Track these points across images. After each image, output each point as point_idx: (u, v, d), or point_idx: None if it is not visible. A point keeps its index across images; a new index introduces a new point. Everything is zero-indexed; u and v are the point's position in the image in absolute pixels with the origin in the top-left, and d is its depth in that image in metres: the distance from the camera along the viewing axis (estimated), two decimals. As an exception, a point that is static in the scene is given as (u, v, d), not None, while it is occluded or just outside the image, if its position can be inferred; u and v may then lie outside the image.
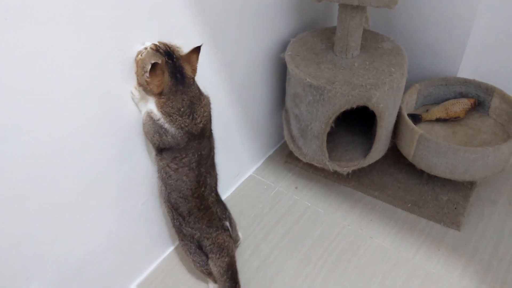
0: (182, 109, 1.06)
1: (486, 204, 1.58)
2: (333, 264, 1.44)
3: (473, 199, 1.59)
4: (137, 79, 1.06)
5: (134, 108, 1.13)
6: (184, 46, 1.09)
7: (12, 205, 0.96)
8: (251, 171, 1.79)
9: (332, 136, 1.62)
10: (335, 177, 1.71)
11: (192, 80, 1.08)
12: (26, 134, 0.92)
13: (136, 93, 1.10)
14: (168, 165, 1.14)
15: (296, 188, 1.71)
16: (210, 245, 1.25)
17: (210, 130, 1.19)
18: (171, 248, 1.51)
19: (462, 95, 1.66)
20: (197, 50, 1.07)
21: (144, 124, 1.12)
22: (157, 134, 1.09)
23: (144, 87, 1.04)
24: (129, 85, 1.09)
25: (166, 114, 1.06)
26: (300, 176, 1.76)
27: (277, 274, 1.42)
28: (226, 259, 1.26)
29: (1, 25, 0.79)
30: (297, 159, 1.68)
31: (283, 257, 1.47)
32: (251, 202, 1.66)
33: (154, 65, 0.97)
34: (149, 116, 1.08)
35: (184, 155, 1.12)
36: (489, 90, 1.59)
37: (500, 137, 1.53)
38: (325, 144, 1.48)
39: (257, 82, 1.57)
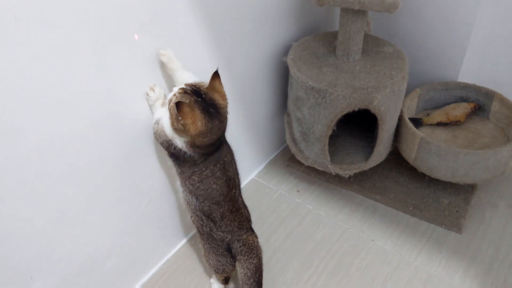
0: (211, 144, 1.08)
1: (487, 207, 1.59)
2: (334, 266, 1.44)
3: (474, 202, 1.59)
4: (174, 125, 1.05)
5: (139, 110, 1.15)
6: (188, 51, 1.11)
7: (16, 204, 0.97)
8: (253, 174, 1.80)
9: (334, 140, 1.63)
10: (337, 180, 1.72)
11: (225, 108, 1.09)
12: (33, 134, 0.93)
13: (152, 94, 1.12)
14: (190, 178, 1.14)
15: (298, 191, 1.72)
16: (240, 246, 1.24)
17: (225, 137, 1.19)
18: (175, 249, 1.52)
19: (463, 99, 1.67)
20: (216, 75, 1.08)
21: (156, 133, 1.13)
22: (171, 148, 1.11)
23: (182, 132, 1.04)
24: (135, 87, 1.11)
25: (193, 146, 1.08)
26: (302, 180, 1.77)
27: (279, 276, 1.42)
28: (254, 261, 1.25)
29: (12, 25, 0.81)
30: (299, 162, 1.70)
31: (285, 259, 1.47)
32: (253, 205, 1.65)
33: (178, 104, 0.98)
34: (165, 135, 1.09)
35: (203, 169, 1.13)
36: (489, 95, 1.61)
37: (500, 141, 1.55)
38: (327, 147, 1.49)
39: (259, 86, 1.58)
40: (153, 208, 1.35)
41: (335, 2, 1.30)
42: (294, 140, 1.61)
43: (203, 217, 1.22)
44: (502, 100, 1.58)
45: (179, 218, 1.47)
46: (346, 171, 1.56)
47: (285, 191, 1.72)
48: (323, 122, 1.43)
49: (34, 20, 0.84)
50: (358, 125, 1.69)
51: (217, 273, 1.33)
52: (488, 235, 1.50)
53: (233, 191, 1.20)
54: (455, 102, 1.68)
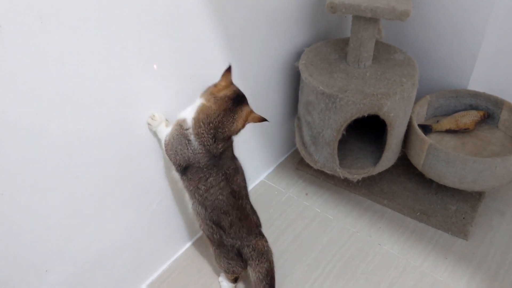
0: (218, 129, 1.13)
1: (494, 215, 1.60)
2: (341, 269, 1.46)
3: (481, 209, 1.60)
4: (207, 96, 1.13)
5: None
6: (201, 55, 1.14)
7: (33, 199, 1.01)
8: (262, 176, 1.83)
9: (343, 144, 1.65)
10: (345, 184, 1.74)
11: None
12: (55, 131, 0.97)
13: (154, 122, 1.18)
14: (197, 187, 1.17)
15: (307, 194, 1.74)
16: (250, 252, 1.27)
17: (232, 152, 1.23)
18: (184, 248, 1.55)
19: (472, 107, 1.69)
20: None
21: (167, 144, 1.17)
22: (180, 146, 1.13)
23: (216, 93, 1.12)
24: (148, 88, 1.15)
25: (203, 123, 1.11)
26: (310, 183, 1.79)
27: (286, 277, 1.45)
28: (265, 265, 1.28)
29: (37, 27, 0.85)
30: (308, 166, 1.72)
31: (292, 261, 1.50)
32: (262, 207, 1.68)
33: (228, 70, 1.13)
34: (177, 127, 1.13)
35: (208, 175, 1.16)
36: (499, 103, 1.62)
37: (509, 149, 1.56)
38: (336, 151, 1.51)
39: (271, 90, 1.61)
40: (164, 208, 1.38)
41: (347, 10, 1.33)
42: (303, 143, 1.64)
43: (213, 226, 1.25)
44: (512, 109, 1.59)
45: (188, 219, 1.50)
46: (355, 176, 1.58)
47: (294, 194, 1.75)
48: (333, 126, 1.45)
49: (59, 22, 0.88)
50: (368, 130, 1.71)
51: (227, 273, 1.36)
52: (494, 242, 1.51)
53: (240, 201, 1.23)
54: (465, 109, 1.69)
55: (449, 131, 1.65)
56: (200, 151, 1.13)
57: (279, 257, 1.51)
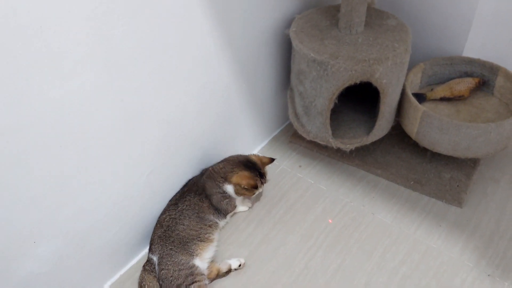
0: None
1: (489, 182, 1.58)
2: (334, 238, 1.46)
3: (476, 177, 1.59)
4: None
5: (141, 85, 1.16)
6: (188, 23, 1.10)
7: (19, 168, 0.99)
8: (256, 150, 1.81)
9: (336, 115, 1.63)
10: (339, 155, 1.72)
11: None
12: (37, 96, 0.95)
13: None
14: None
15: (300, 166, 1.73)
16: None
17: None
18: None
19: (467, 75, 1.66)
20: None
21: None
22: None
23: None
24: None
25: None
26: (304, 155, 1.77)
27: (279, 248, 1.44)
28: None
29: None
30: (301, 138, 1.70)
31: (285, 231, 1.49)
32: (255, 179, 1.68)
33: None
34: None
35: None
36: (494, 69, 1.59)
37: (504, 116, 1.53)
38: (328, 120, 1.49)
39: (263, 60, 1.58)
40: (155, 179, 1.36)
41: (337, -27, 1.29)
42: (296, 114, 1.62)
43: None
44: (507, 75, 1.56)
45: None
46: (348, 145, 1.56)
47: (287, 166, 1.73)
48: (324, 95, 1.42)
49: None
50: (361, 100, 1.69)
51: None
52: (489, 209, 1.50)
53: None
54: (460, 77, 1.66)
55: (443, 99, 1.63)
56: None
57: (272, 228, 1.50)
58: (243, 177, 1.40)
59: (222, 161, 1.50)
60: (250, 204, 1.57)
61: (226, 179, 1.42)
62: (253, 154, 1.51)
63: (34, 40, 0.89)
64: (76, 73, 1.00)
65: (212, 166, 1.48)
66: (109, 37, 1.02)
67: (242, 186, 1.40)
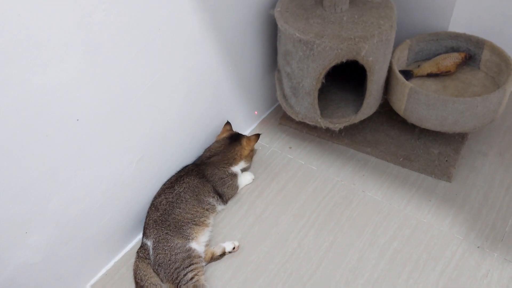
0: None
1: (477, 156, 1.60)
2: (326, 217, 1.47)
3: (464, 151, 1.61)
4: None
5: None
6: (170, 2, 1.09)
7: (4, 158, 0.98)
8: (246, 133, 1.81)
9: (324, 94, 1.63)
10: (328, 135, 1.73)
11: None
12: (17, 84, 0.94)
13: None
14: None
15: (290, 148, 1.73)
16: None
17: None
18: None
19: (453, 50, 1.66)
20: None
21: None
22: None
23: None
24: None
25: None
26: (294, 137, 1.78)
27: (272, 228, 1.45)
28: None
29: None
30: (291, 120, 1.70)
31: (277, 212, 1.50)
32: (246, 162, 1.68)
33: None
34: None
35: None
36: (480, 43, 1.59)
37: (490, 89, 1.54)
38: (316, 101, 1.49)
39: (249, 42, 1.57)
40: (144, 166, 1.36)
41: (320, -50, 1.28)
42: (284, 96, 1.61)
43: None
44: (493, 48, 1.56)
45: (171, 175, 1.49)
46: (336, 125, 1.57)
47: (277, 148, 1.74)
48: (312, 75, 1.42)
49: None
50: (349, 79, 1.69)
51: None
52: (477, 183, 1.52)
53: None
54: (446, 52, 1.66)
55: (430, 75, 1.63)
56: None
57: (264, 209, 1.51)
58: (249, 137, 1.56)
59: (212, 145, 1.52)
60: (252, 175, 1.61)
61: (231, 153, 1.52)
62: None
63: (13, 27, 0.88)
64: (58, 60, 0.99)
65: (206, 151, 1.55)
66: (90, 21, 1.01)
67: (251, 143, 1.56)
